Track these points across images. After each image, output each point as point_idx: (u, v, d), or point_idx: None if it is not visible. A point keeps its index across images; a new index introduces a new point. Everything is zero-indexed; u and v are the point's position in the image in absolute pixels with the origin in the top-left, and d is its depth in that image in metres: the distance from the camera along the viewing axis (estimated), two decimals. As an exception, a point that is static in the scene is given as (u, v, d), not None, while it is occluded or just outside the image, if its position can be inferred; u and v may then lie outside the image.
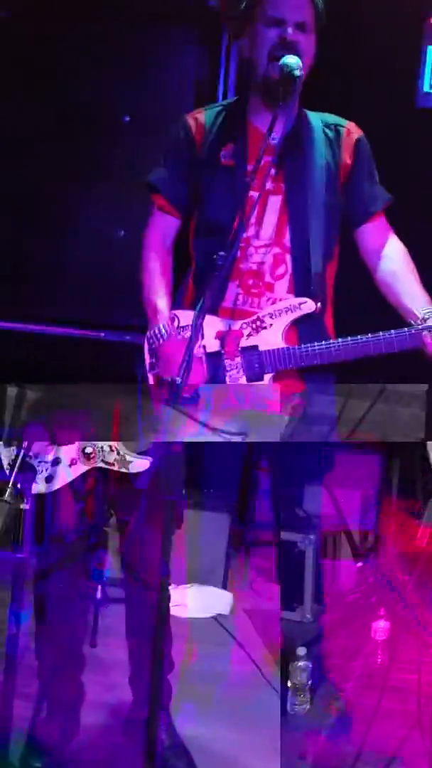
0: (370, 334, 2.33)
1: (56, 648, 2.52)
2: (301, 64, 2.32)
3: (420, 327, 2.32)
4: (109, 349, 3.90)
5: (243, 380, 2.40)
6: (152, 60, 3.93)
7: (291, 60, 2.31)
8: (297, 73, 2.30)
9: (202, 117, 2.52)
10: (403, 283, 2.46)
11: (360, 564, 3.33)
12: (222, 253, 2.09)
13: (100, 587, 2.69)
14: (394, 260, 2.51)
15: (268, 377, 2.39)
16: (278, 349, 2.39)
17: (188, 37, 3.96)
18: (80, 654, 2.57)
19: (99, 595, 2.71)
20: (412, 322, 2.36)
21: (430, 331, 2.30)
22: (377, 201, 2.55)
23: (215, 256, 2.09)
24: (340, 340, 2.36)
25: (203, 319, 2.09)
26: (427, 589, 3.49)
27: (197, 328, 2.06)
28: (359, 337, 2.34)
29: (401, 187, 2.64)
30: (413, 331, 2.32)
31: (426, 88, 4.41)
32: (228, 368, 2.41)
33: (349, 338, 2.35)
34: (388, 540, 4.02)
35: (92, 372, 3.84)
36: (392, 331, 2.32)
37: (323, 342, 2.36)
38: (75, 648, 2.55)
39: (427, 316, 2.34)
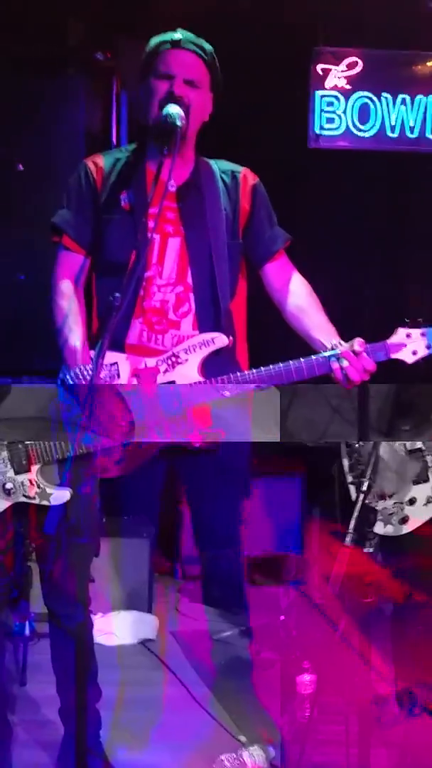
0: (281, 364, 2.41)
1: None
2: (182, 114, 2.42)
3: (327, 354, 2.42)
4: (14, 395, 3.88)
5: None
6: (43, 109, 4.00)
7: (172, 110, 2.41)
8: (178, 122, 2.39)
9: (101, 161, 2.59)
10: (310, 317, 2.56)
11: (282, 618, 3.37)
12: (117, 294, 2.17)
13: (27, 624, 2.69)
14: (299, 295, 2.61)
15: (185, 411, 2.43)
16: (196, 383, 2.44)
17: (78, 88, 4.05)
18: (9, 694, 2.56)
19: (27, 632, 2.72)
20: (321, 351, 2.45)
21: (336, 358, 2.41)
22: (277, 241, 2.65)
23: (111, 298, 2.17)
24: (254, 370, 2.42)
25: (103, 359, 2.18)
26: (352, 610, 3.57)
27: (97, 369, 2.15)
28: (271, 366, 2.41)
29: (299, 223, 2.78)
30: (320, 359, 2.41)
31: (316, 130, 4.67)
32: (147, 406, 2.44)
33: (262, 368, 2.41)
34: (313, 564, 4.12)
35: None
36: (301, 359, 2.40)
37: (238, 373, 2.42)
38: (4, 688, 2.55)
39: (334, 346, 2.45)
